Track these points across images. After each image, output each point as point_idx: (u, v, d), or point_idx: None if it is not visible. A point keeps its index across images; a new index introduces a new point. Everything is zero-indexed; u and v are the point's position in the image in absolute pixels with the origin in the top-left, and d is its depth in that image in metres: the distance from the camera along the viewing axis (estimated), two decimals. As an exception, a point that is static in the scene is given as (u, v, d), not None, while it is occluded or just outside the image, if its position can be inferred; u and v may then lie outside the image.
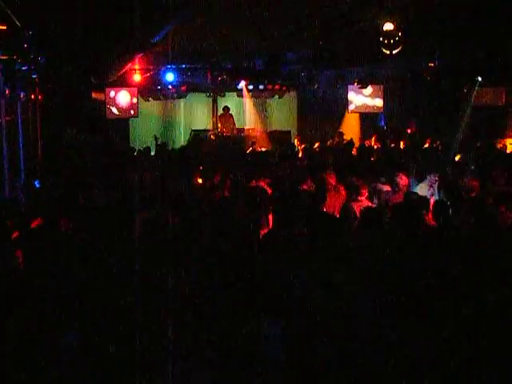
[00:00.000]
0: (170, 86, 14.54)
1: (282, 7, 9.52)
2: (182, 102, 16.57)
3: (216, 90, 16.03)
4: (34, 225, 5.18)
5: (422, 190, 6.55)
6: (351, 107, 15.84)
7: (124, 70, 12.68)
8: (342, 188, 6.26)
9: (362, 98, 15.72)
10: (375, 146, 12.60)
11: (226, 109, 15.21)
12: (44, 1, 8.11)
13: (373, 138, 13.44)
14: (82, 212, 5.71)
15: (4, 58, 8.43)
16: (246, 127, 15.82)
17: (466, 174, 7.32)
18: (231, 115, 15.21)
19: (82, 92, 12.84)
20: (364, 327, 3.21)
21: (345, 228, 4.53)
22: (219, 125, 15.08)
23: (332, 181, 6.73)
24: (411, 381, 3.02)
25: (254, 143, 13.78)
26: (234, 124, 15.20)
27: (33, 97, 10.61)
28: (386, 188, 6.56)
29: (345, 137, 14.21)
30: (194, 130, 15.55)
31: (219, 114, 15.68)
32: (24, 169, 9.84)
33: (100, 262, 3.92)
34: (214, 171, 7.89)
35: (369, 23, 9.94)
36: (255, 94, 16.26)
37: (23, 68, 9.26)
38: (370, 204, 5.81)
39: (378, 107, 15.74)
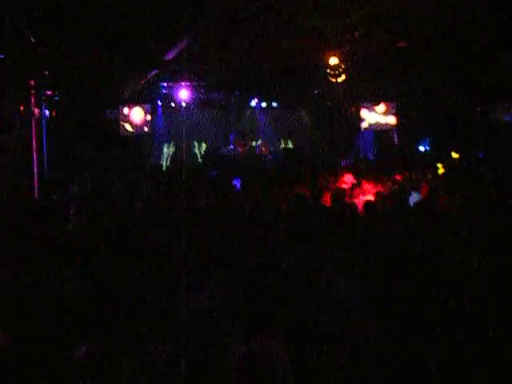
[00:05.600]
0: (183, 103, 14.54)
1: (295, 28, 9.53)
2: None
3: (229, 107, 16.04)
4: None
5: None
6: (364, 125, 15.74)
7: (137, 87, 12.74)
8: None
9: (375, 116, 15.63)
10: None
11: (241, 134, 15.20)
12: (59, 18, 8.16)
13: None
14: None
15: (18, 74, 8.47)
16: (258, 143, 15.82)
17: None
18: (245, 140, 15.15)
19: (95, 108, 12.88)
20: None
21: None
22: (232, 146, 15.04)
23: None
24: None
25: None
26: (248, 144, 15.18)
27: (47, 113, 10.66)
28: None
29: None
30: (208, 147, 15.65)
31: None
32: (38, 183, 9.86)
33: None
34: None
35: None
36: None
37: (37, 84, 9.33)
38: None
39: (390, 124, 15.63)
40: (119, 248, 4.68)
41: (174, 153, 15.57)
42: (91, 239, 5.12)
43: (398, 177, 9.62)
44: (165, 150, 15.72)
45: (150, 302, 3.59)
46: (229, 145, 15.34)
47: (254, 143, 15.62)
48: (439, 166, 11.07)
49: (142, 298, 3.64)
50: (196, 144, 16.03)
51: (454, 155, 11.52)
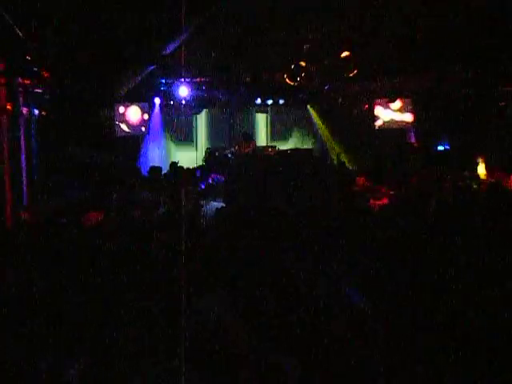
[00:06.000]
0: (183, 102, 14.50)
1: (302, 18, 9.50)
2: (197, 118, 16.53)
3: (233, 106, 15.98)
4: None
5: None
6: (378, 123, 15.64)
7: (134, 84, 12.73)
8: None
9: (390, 113, 15.52)
10: None
11: (245, 136, 15.13)
12: (49, 11, 8.16)
13: None
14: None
15: (5, 71, 8.46)
16: (264, 145, 15.82)
17: None
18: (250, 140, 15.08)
19: (89, 107, 12.86)
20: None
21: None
22: (236, 147, 15.00)
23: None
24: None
25: None
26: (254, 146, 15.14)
27: (36, 112, 10.65)
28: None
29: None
30: (209, 148, 15.63)
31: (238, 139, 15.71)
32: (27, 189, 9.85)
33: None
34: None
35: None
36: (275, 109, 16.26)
37: (26, 82, 9.33)
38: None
39: (407, 122, 15.51)
40: (121, 255, 4.71)
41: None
42: (92, 247, 5.16)
43: (413, 179, 9.54)
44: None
45: (152, 312, 3.64)
46: (232, 146, 15.32)
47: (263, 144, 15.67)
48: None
49: (143, 308, 3.68)
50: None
51: (480, 164, 11.32)
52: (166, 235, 5.07)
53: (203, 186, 9.63)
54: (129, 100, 14.10)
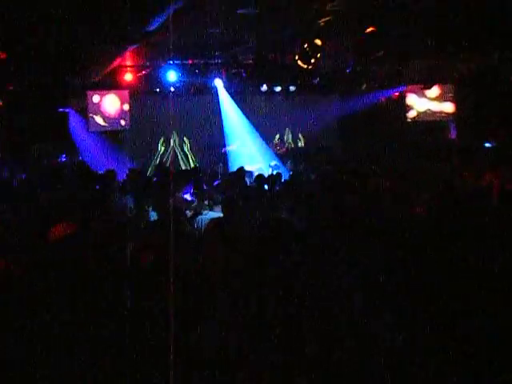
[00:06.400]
0: (171, 88, 14.45)
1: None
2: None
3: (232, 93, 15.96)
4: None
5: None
6: (411, 114, 15.64)
7: (111, 68, 12.68)
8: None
9: (426, 102, 15.52)
10: None
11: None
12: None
13: None
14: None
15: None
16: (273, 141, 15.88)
17: None
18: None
19: (55, 96, 12.83)
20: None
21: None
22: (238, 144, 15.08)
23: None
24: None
25: None
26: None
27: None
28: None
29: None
30: (204, 146, 15.68)
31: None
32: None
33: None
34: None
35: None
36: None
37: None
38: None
39: (446, 113, 15.49)
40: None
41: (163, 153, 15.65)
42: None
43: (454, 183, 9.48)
44: (159, 147, 15.77)
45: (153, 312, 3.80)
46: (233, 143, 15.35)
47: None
48: None
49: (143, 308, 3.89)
50: (186, 141, 15.98)
51: None
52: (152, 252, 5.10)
53: (198, 193, 9.54)
54: (105, 87, 14.03)
